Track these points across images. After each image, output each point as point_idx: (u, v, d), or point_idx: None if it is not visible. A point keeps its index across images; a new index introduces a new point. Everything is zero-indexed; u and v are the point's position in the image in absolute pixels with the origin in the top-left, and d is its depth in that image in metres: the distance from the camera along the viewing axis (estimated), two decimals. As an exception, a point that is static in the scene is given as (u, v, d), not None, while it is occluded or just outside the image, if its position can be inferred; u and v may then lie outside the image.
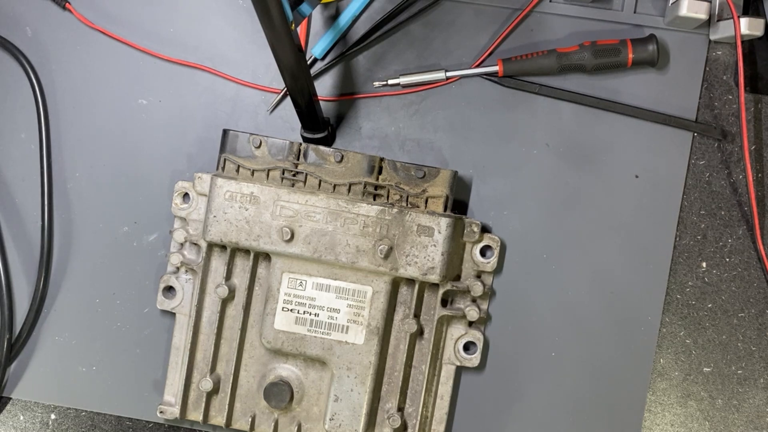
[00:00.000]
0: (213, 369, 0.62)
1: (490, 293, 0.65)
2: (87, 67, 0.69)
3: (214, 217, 0.60)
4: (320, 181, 0.61)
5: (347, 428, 0.60)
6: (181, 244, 0.64)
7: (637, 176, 0.66)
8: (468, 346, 0.64)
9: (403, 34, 0.68)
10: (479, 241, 0.63)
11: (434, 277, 0.59)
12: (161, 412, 0.62)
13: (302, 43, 0.67)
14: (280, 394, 0.61)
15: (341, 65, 0.68)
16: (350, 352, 0.60)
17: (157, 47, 0.68)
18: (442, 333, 0.63)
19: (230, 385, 0.61)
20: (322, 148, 0.62)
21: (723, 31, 0.64)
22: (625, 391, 0.66)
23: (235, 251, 0.62)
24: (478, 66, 0.67)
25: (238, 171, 0.62)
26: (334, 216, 0.59)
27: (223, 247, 0.62)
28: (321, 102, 0.65)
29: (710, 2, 0.64)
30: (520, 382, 0.66)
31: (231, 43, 0.68)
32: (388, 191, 0.61)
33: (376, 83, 0.67)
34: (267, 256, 0.61)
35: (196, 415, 0.62)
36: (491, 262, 0.63)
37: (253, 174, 0.61)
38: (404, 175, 0.61)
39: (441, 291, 0.61)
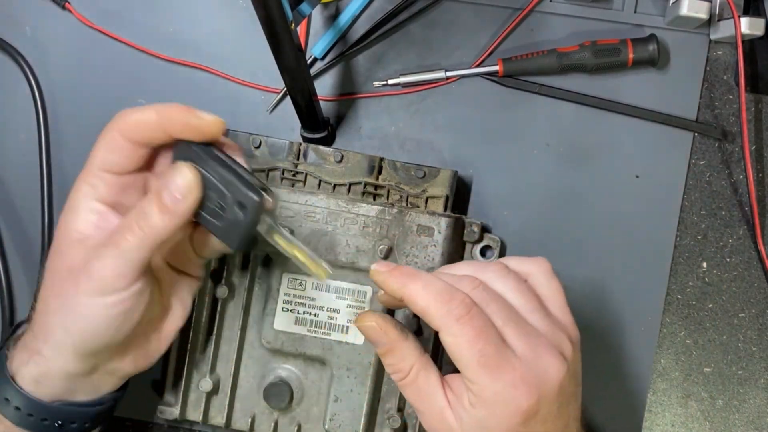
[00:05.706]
0: (213, 369, 0.62)
1: (490, 293, 0.65)
2: (86, 67, 0.69)
3: (214, 217, 0.60)
4: (320, 181, 0.61)
5: (347, 429, 0.60)
6: (181, 244, 0.64)
7: (637, 176, 0.66)
8: (468, 347, 0.64)
9: (403, 34, 0.68)
10: (479, 241, 0.63)
11: (434, 278, 0.59)
12: (161, 412, 0.62)
13: (302, 43, 0.67)
14: (279, 394, 0.60)
15: (341, 65, 0.68)
16: (350, 352, 0.60)
17: (156, 47, 0.68)
18: (442, 333, 0.63)
19: (230, 385, 0.61)
20: (322, 148, 0.61)
21: (723, 30, 0.64)
22: (625, 391, 0.66)
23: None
24: (478, 66, 0.67)
25: (237, 171, 0.62)
26: (334, 216, 0.59)
27: (223, 247, 0.62)
28: (321, 102, 0.65)
29: (711, 2, 0.64)
30: (520, 383, 0.66)
31: (231, 43, 0.68)
32: (388, 191, 0.61)
33: (376, 83, 0.67)
34: (267, 255, 0.61)
35: (195, 415, 0.62)
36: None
37: (252, 174, 0.61)
38: (404, 175, 0.61)
39: (441, 291, 0.61)
